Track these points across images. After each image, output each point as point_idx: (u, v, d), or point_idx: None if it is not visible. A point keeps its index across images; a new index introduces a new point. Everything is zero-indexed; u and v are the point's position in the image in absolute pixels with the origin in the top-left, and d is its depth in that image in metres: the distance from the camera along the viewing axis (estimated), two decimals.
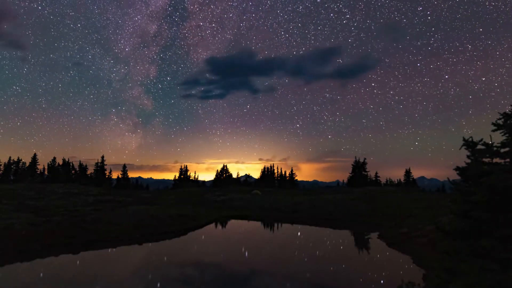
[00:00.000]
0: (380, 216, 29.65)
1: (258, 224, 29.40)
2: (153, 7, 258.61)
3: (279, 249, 18.64)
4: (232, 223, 29.77)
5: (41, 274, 12.82)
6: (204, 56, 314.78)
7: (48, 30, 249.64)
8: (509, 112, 6.98)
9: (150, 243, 19.25)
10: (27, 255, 15.12)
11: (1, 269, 13.18)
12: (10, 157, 67.95)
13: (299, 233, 25.36)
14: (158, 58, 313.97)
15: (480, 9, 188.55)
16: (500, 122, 7.05)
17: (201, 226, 25.62)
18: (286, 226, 28.45)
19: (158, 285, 11.56)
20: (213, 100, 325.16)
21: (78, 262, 14.88)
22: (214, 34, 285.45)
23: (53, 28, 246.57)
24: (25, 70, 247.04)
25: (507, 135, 6.87)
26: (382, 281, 12.49)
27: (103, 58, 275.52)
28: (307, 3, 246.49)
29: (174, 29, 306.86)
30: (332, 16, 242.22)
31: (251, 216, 33.24)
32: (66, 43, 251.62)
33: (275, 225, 28.88)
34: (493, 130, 7.13)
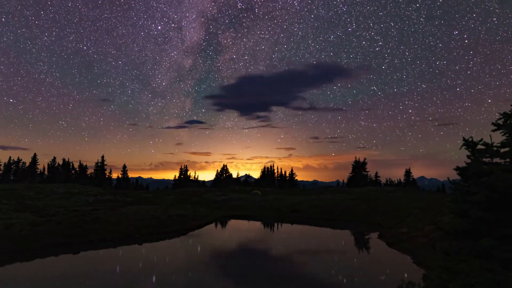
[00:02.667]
0: (380, 216, 29.66)
1: (258, 224, 29.40)
2: (189, 42, 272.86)
3: (279, 249, 18.64)
4: (232, 223, 29.77)
5: (41, 274, 12.82)
6: (238, 86, 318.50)
7: (92, 68, 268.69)
8: (509, 112, 6.98)
9: (150, 243, 19.24)
10: (27, 255, 15.12)
11: (1, 269, 13.18)
12: (10, 157, 68.03)
13: (298, 234, 25.35)
14: (194, 91, 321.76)
15: None
16: (500, 122, 7.05)
17: (201, 226, 25.62)
18: (286, 226, 28.45)
19: (158, 285, 11.56)
20: (247, 131, 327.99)
21: (78, 262, 14.87)
22: (247, 66, 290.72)
23: (97, 66, 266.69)
24: (70, 106, 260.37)
25: (507, 135, 6.86)
26: (382, 281, 12.49)
27: (142, 93, 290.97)
28: (338, 32, 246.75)
29: (209, 63, 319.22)
30: (364, 44, 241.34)
31: (251, 216, 33.25)
32: (108, 79, 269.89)
33: (275, 225, 28.88)
34: (493, 130, 7.13)
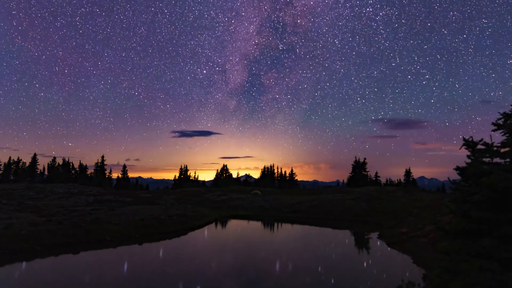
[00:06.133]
0: (380, 216, 29.65)
1: (258, 224, 29.40)
2: (232, 84, 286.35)
3: (279, 249, 18.63)
4: (232, 223, 29.76)
5: (41, 274, 12.81)
6: (282, 127, 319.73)
7: (142, 112, 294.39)
8: (509, 112, 6.98)
9: (150, 243, 19.23)
10: (27, 255, 15.11)
11: (1, 269, 13.17)
12: (10, 157, 68.07)
13: (299, 234, 25.36)
14: (238, 131, 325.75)
15: None
16: (500, 122, 7.05)
17: (201, 226, 25.61)
18: (286, 226, 28.44)
19: (157, 285, 11.55)
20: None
21: (78, 262, 14.87)
22: (290, 105, 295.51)
23: (146, 110, 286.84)
24: (122, 149, 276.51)
25: (507, 135, 6.86)
26: (382, 281, 12.48)
27: (188, 134, 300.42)
28: (381, 67, 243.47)
29: (252, 103, 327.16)
30: (410, 78, 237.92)
31: (251, 216, 33.24)
32: (156, 122, 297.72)
33: (275, 225, 28.87)
34: (493, 130, 7.12)
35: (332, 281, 12.48)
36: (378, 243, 20.20)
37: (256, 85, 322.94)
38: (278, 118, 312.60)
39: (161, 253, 17.19)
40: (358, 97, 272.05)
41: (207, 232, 24.06)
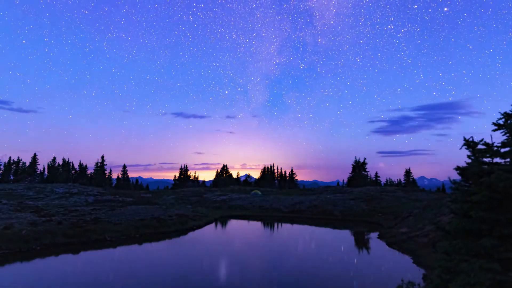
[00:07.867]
0: (380, 216, 29.65)
1: (258, 224, 29.39)
2: (254, 104, 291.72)
3: (279, 250, 18.63)
4: (232, 223, 29.76)
5: (41, 274, 12.80)
6: (304, 145, 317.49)
7: (166, 133, 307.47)
8: (510, 112, 6.97)
9: (150, 243, 19.23)
10: (27, 255, 15.11)
11: (1, 269, 13.17)
12: (10, 157, 68.00)
13: (299, 234, 25.35)
14: (259, 149, 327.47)
15: None
16: (501, 122, 7.04)
17: (201, 226, 25.61)
18: (286, 226, 28.44)
19: (157, 285, 11.54)
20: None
21: (78, 262, 14.87)
22: (312, 124, 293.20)
23: (170, 131, 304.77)
24: (144, 168, 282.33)
25: (507, 135, 6.85)
26: (382, 281, 12.47)
27: (212, 154, 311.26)
28: (405, 84, 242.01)
29: (274, 122, 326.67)
30: (435, 95, 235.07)
31: (251, 216, 33.23)
32: (179, 143, 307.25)
33: (275, 225, 28.87)
34: (494, 130, 7.12)
35: (332, 280, 12.47)
36: (378, 243, 20.20)
37: (278, 104, 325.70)
38: (300, 137, 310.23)
39: (162, 253, 17.18)
40: (382, 115, 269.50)
41: (207, 232, 24.06)
